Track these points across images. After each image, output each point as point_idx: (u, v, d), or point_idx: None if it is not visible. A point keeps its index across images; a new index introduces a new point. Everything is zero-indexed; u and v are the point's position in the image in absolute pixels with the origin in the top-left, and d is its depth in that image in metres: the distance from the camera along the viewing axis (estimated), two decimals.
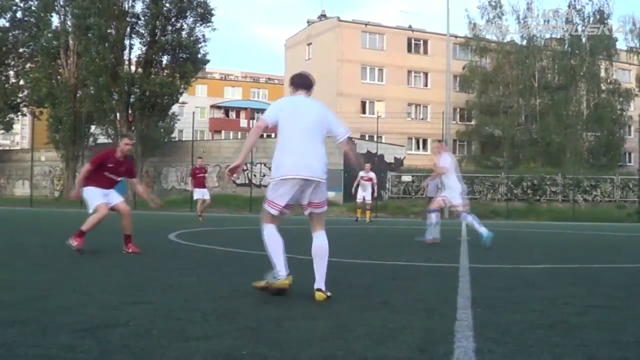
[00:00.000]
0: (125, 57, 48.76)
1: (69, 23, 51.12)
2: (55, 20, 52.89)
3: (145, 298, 6.38)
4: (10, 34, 55.34)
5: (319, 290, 6.35)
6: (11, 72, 57.84)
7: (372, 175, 27.04)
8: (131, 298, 6.34)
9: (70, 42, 50.46)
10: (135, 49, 49.02)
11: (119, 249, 10.82)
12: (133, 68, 48.89)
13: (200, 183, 25.01)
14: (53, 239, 10.62)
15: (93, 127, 51.63)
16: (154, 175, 49.69)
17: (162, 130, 49.01)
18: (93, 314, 5.44)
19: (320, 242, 6.58)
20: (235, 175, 6.98)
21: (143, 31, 48.23)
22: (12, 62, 57.67)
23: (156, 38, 47.72)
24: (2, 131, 59.16)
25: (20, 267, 8.87)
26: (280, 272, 6.52)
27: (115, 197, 10.87)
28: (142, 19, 47.86)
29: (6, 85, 56.50)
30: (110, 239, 11.17)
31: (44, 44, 51.21)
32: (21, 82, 56.61)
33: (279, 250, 6.60)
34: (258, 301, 6.31)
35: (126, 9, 47.21)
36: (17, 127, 60.96)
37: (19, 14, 55.09)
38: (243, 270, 7.12)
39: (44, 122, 54.67)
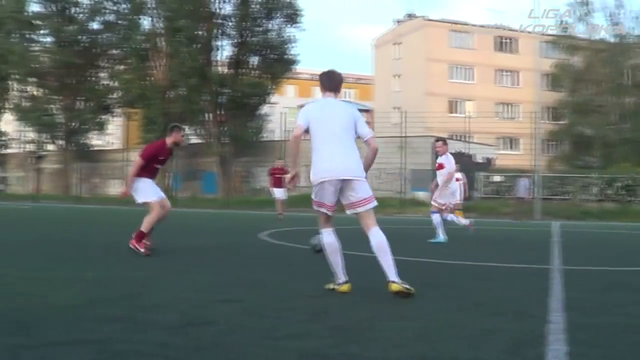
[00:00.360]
0: (215, 58, 49.38)
1: (159, 25, 51.96)
2: (145, 23, 53.92)
3: (235, 296, 6.45)
4: (102, 37, 56.58)
5: (392, 282, 6.38)
6: (103, 74, 59.12)
7: (459, 175, 26.77)
8: (221, 296, 6.41)
9: (161, 43, 51.26)
10: (225, 50, 49.60)
11: (207, 247, 10.91)
12: (223, 69, 49.48)
13: (277, 183, 25.19)
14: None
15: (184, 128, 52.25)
16: (244, 175, 50.15)
17: (252, 130, 49.47)
18: (185, 311, 5.52)
19: (378, 239, 6.63)
20: (294, 184, 7.20)
21: (232, 32, 48.76)
22: (104, 64, 58.97)
23: (245, 39, 48.18)
24: (96, 132, 60.44)
25: (116, 265, 9.05)
26: (340, 279, 6.92)
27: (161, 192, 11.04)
28: (231, 20, 48.37)
29: (96, 87, 57.78)
30: (200, 238, 11.27)
31: (135, 46, 52.19)
32: (112, 83, 57.84)
33: (337, 257, 6.90)
34: (347, 301, 6.31)
35: (215, 11, 47.75)
36: (110, 127, 62.26)
37: (110, 17, 56.29)
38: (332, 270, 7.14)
39: (137, 123, 55.76)
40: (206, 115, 48.76)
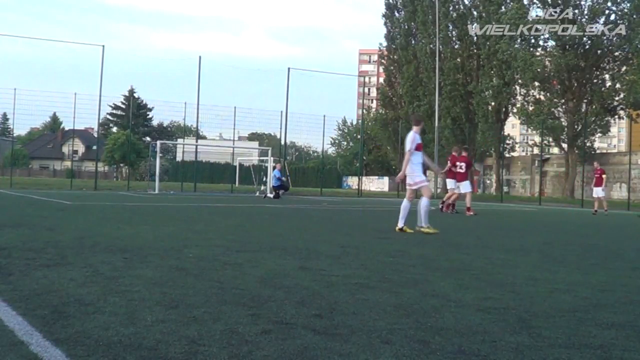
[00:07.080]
0: None
1: None
2: None
3: None
4: (604, 37, 55.69)
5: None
6: (606, 76, 58.30)
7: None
8: None
9: None
10: None
11: None
12: None
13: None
14: None
15: None
16: None
17: None
18: None
19: None
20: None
21: None
22: (607, 66, 58.09)
23: None
24: (600, 134, 59.89)
25: (619, 270, 8.85)
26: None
27: None
28: None
29: (602, 89, 57.08)
30: None
31: (638, 46, 50.65)
32: (617, 85, 56.76)
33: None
34: None
35: None
36: (613, 130, 61.38)
37: (611, 17, 55.30)
38: None
39: None
40: None
